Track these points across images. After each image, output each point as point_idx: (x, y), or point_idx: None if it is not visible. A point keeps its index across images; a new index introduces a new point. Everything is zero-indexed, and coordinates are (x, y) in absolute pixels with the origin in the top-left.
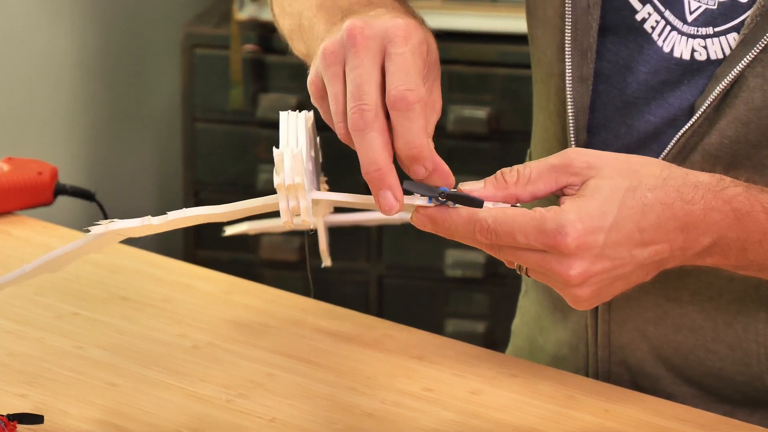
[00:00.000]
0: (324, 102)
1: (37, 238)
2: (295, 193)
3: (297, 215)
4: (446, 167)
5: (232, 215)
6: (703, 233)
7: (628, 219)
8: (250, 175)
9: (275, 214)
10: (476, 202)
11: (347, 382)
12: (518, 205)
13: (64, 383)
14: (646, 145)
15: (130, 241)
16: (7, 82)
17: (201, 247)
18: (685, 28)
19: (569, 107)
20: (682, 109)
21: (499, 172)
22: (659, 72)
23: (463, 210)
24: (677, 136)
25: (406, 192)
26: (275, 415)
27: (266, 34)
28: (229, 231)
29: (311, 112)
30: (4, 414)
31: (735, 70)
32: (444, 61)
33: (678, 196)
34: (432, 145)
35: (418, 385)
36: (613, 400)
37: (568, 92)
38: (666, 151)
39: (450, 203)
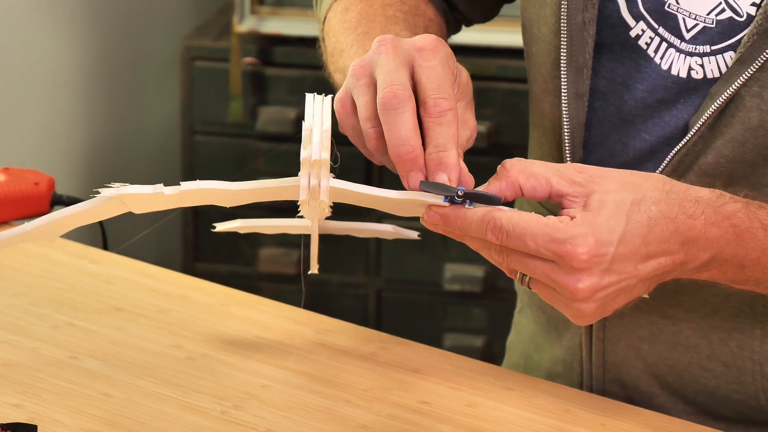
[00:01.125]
0: (351, 119)
1: (34, 248)
2: (318, 171)
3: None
4: (470, 176)
5: (246, 195)
6: (703, 248)
7: (635, 233)
8: None
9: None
10: (494, 200)
11: (342, 394)
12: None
13: (59, 393)
14: (641, 163)
15: (126, 252)
16: (6, 92)
17: (199, 260)
18: (683, 46)
19: (565, 124)
20: (678, 127)
21: (501, 164)
22: (656, 90)
23: (479, 208)
24: (671, 154)
25: (424, 188)
26: (270, 426)
27: (266, 47)
28: (220, 227)
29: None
30: None
31: (730, 88)
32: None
33: (681, 210)
34: (461, 157)
35: (414, 397)
36: (609, 414)
37: (564, 109)
38: (660, 169)
39: (467, 203)
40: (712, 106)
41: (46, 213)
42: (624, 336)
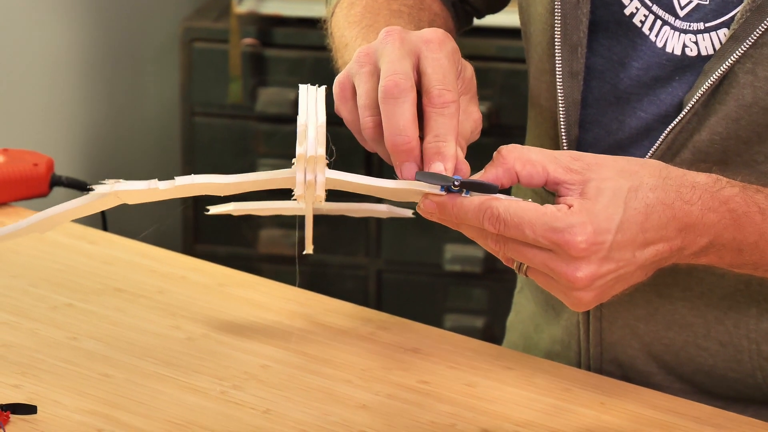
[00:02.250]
0: (348, 103)
1: None
2: (314, 167)
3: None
4: (466, 164)
5: (241, 186)
6: (701, 234)
7: (632, 220)
8: (249, 169)
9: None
10: (491, 188)
11: (342, 374)
12: (529, 200)
13: (58, 374)
14: (637, 141)
15: (125, 232)
16: (4, 73)
17: (199, 241)
18: (678, 23)
19: (560, 103)
20: (673, 105)
21: (496, 151)
22: (651, 68)
23: (476, 197)
24: (666, 131)
25: (420, 178)
26: (269, 406)
27: (265, 28)
28: (213, 210)
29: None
30: None
31: (724, 65)
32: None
33: (677, 196)
34: (459, 150)
35: (414, 377)
36: (608, 393)
37: (559, 87)
38: (655, 146)
39: (463, 192)
40: (706, 83)
41: (45, 194)
42: (620, 315)
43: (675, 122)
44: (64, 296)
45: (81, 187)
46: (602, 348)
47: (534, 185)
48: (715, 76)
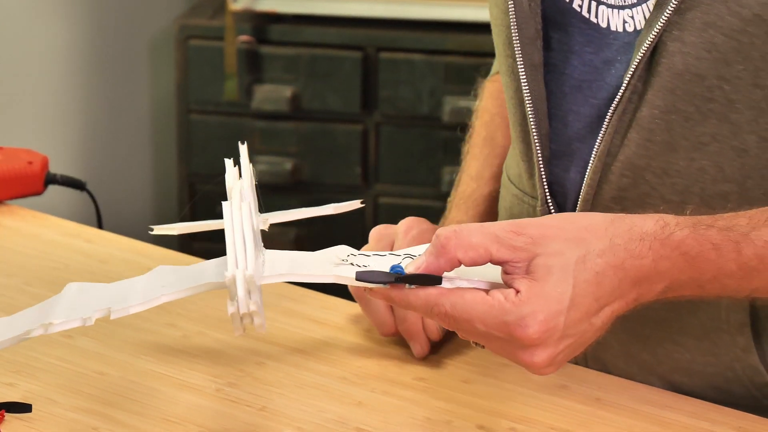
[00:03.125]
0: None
1: (27, 228)
2: (250, 318)
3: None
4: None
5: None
6: (656, 282)
7: (584, 293)
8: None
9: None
10: (434, 280)
11: (338, 371)
12: (474, 279)
13: (53, 372)
14: (592, 130)
15: (121, 230)
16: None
17: (197, 239)
18: (612, 1)
19: (526, 97)
20: (618, 86)
21: (435, 235)
22: (602, 49)
23: (420, 292)
24: (610, 112)
25: (360, 278)
26: (265, 404)
27: (261, 25)
28: (157, 230)
29: (251, 168)
30: None
31: (651, 35)
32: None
33: (627, 255)
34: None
35: (410, 374)
36: (605, 389)
37: (523, 81)
38: (603, 130)
39: (407, 285)
40: (638, 55)
41: (40, 192)
42: (625, 313)
43: (616, 101)
44: None
45: (76, 185)
46: (586, 349)
47: (479, 265)
48: (644, 47)
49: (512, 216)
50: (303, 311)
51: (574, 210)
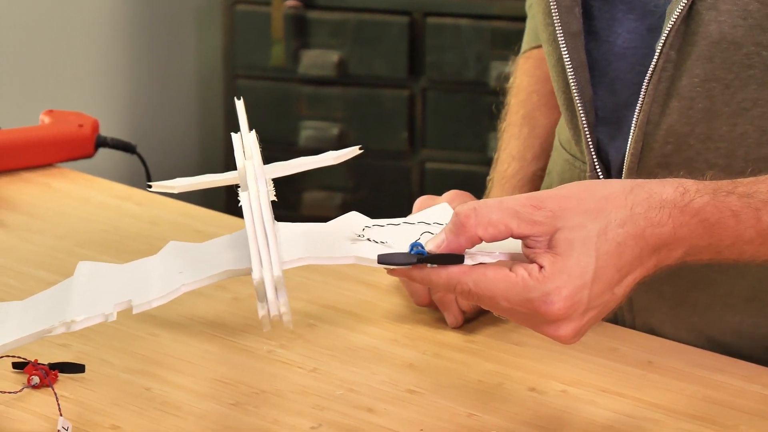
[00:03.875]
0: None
1: (78, 191)
2: (279, 316)
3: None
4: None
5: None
6: (675, 248)
7: (606, 265)
8: (291, 132)
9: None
10: (455, 258)
11: (388, 333)
12: (495, 252)
13: (106, 334)
14: (633, 99)
15: (170, 193)
16: (50, 35)
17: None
18: None
19: (567, 64)
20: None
21: (454, 213)
22: (645, 17)
23: (442, 272)
24: (645, 82)
25: (382, 261)
26: (316, 365)
27: None
28: (156, 187)
29: (254, 134)
30: (46, 363)
31: (681, 4)
32: (486, 16)
33: (647, 223)
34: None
35: (460, 337)
36: (656, 352)
37: (563, 49)
38: (640, 100)
39: (428, 264)
40: (668, 25)
41: (91, 155)
42: (646, 279)
43: (650, 70)
44: (110, 257)
45: (126, 148)
46: (633, 313)
47: (499, 241)
48: (674, 16)
49: (564, 181)
50: (354, 273)
51: (619, 176)
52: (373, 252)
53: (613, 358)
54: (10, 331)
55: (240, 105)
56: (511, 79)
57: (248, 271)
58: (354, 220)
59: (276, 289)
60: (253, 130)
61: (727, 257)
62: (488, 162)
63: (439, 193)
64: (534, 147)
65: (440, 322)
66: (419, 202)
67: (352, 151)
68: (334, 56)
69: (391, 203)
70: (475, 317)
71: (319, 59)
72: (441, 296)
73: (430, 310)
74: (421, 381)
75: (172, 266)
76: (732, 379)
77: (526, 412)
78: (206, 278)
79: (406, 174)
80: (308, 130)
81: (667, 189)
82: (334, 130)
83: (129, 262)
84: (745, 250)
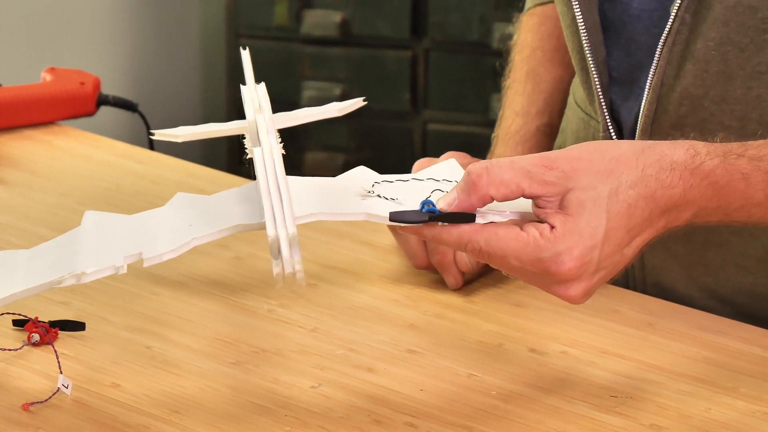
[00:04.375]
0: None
1: (79, 148)
2: (293, 274)
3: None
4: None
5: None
6: (684, 210)
7: (616, 226)
8: (294, 91)
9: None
10: (467, 217)
11: (389, 293)
12: (506, 211)
13: (106, 292)
14: (647, 61)
15: (172, 152)
16: None
17: (244, 162)
18: None
19: (580, 24)
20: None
21: (466, 172)
22: None
23: (453, 230)
24: (660, 44)
25: (393, 218)
26: (317, 325)
27: None
28: (158, 135)
29: (263, 86)
30: (46, 321)
31: None
32: None
33: (658, 185)
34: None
35: (461, 298)
36: (656, 314)
37: (576, 9)
38: (654, 63)
39: (439, 222)
40: None
41: (92, 113)
42: (659, 238)
43: (665, 33)
44: None
45: (128, 106)
46: (645, 272)
47: (510, 200)
48: None
49: (579, 139)
50: (355, 233)
51: (632, 137)
52: (384, 209)
53: (613, 320)
54: (19, 280)
55: (246, 55)
56: (515, 36)
57: (260, 226)
58: (363, 175)
59: (290, 246)
60: (263, 82)
61: (736, 219)
62: (490, 123)
63: (440, 153)
64: (538, 102)
65: (441, 283)
66: (418, 164)
67: (356, 103)
68: (336, 16)
69: (393, 164)
70: (475, 279)
71: (321, 19)
72: (440, 258)
73: (429, 272)
74: (421, 341)
75: (181, 219)
76: (732, 340)
77: (527, 373)
78: (217, 232)
79: (409, 135)
80: (311, 91)
81: (677, 151)
82: (337, 90)
83: (135, 213)
84: (754, 212)
